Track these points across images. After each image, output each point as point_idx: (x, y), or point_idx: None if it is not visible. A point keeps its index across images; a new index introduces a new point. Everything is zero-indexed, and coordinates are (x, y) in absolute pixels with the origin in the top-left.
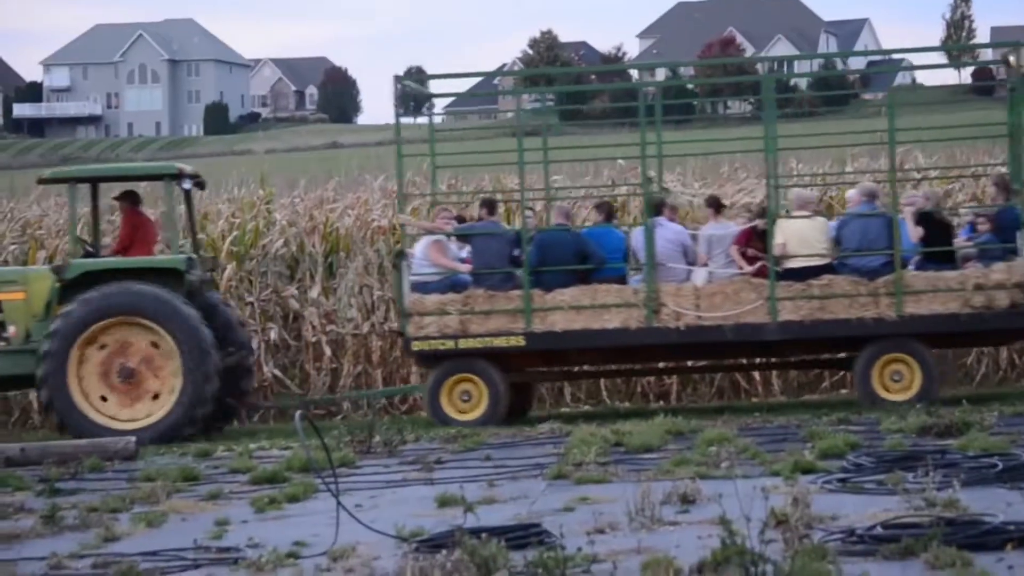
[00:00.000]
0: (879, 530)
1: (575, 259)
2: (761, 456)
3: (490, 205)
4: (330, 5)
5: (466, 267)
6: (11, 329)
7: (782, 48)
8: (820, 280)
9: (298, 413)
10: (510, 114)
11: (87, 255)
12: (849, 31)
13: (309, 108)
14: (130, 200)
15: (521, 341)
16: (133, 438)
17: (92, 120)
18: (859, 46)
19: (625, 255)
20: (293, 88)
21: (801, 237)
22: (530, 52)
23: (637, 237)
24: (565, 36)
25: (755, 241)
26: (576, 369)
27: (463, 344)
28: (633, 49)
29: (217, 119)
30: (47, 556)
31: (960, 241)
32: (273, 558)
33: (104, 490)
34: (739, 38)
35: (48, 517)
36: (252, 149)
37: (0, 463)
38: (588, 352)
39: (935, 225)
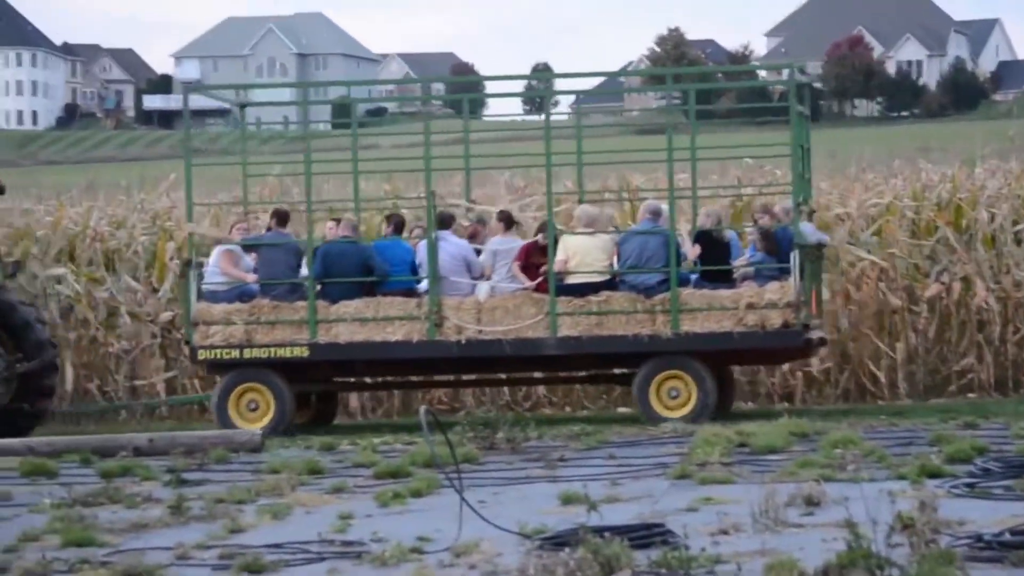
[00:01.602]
0: (1007, 536)
1: (360, 271)
2: (887, 459)
3: (280, 216)
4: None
5: (253, 277)
6: None
7: (911, 48)
8: (599, 296)
9: (422, 408)
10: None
11: None
12: (979, 31)
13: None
14: None
15: (305, 352)
16: (259, 431)
17: (221, 113)
18: (990, 47)
19: (413, 268)
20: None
21: (583, 253)
22: (657, 50)
23: (421, 251)
24: (692, 34)
25: (537, 256)
26: (365, 381)
27: (248, 354)
28: (760, 48)
29: (344, 113)
30: (174, 546)
31: (745, 260)
32: (396, 553)
33: (230, 481)
34: (867, 37)
35: (175, 507)
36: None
37: (129, 453)
38: (372, 364)
39: (713, 243)
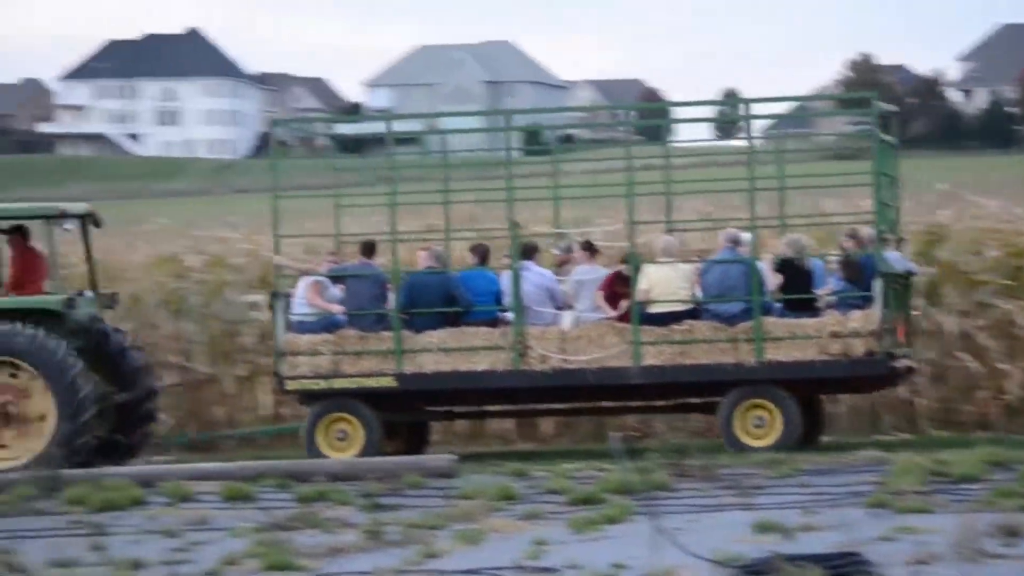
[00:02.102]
0: None
1: (444, 302)
2: None
3: (367, 247)
4: (646, 27)
5: (340, 308)
6: None
7: None
8: (682, 325)
9: (614, 435)
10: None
11: None
12: None
13: (622, 129)
14: (21, 236)
15: (392, 382)
16: (454, 456)
17: (409, 140)
18: None
19: (498, 297)
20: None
21: (665, 283)
22: (849, 74)
23: (505, 281)
24: (883, 58)
25: (620, 286)
26: (453, 410)
27: (336, 384)
28: (953, 72)
29: (532, 140)
30: (370, 570)
31: (829, 289)
32: None
33: (424, 507)
34: None
35: (371, 532)
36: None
37: (324, 477)
38: (458, 393)
39: (795, 272)
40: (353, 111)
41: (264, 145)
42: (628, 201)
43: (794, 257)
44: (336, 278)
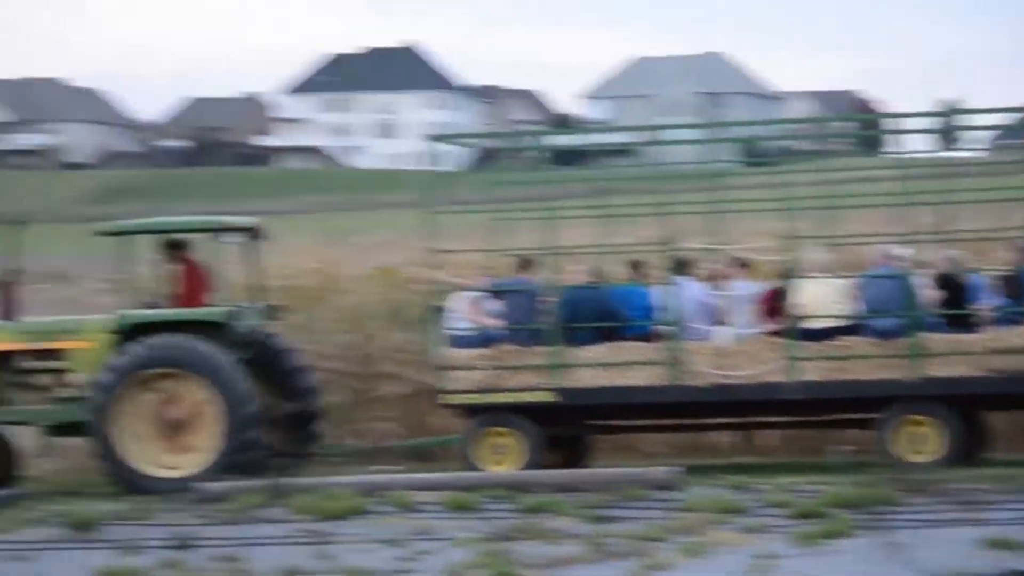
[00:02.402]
0: None
1: (601, 316)
2: None
3: (524, 262)
4: (867, 36)
5: (498, 322)
6: (77, 376)
7: None
8: (839, 341)
9: (835, 449)
10: None
11: (150, 306)
12: None
13: (834, 140)
14: (182, 250)
15: (550, 396)
16: (677, 468)
17: (622, 152)
18: None
19: (649, 312)
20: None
21: (820, 298)
22: None
23: (661, 296)
24: None
25: (778, 301)
26: (610, 424)
27: (493, 398)
28: None
29: (749, 153)
30: None
31: (989, 304)
32: None
33: (646, 519)
34: None
35: (594, 543)
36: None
37: (546, 489)
38: (616, 408)
39: (954, 287)
40: (567, 123)
41: (482, 158)
42: (788, 215)
43: (953, 272)
44: (495, 293)
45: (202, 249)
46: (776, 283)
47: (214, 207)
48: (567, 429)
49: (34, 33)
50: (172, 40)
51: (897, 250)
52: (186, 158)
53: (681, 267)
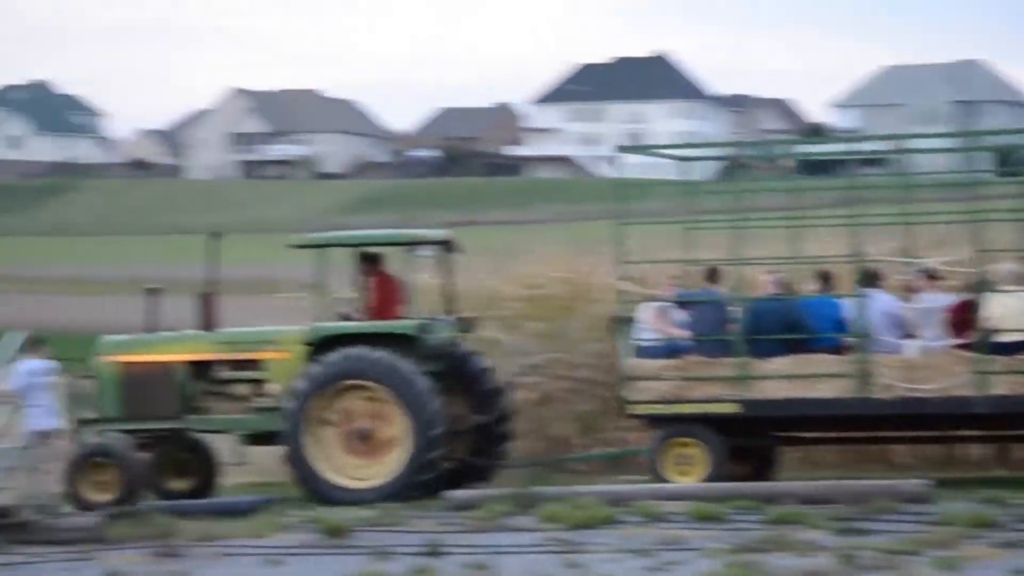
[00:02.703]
0: None
1: (787, 328)
2: None
3: (711, 273)
4: None
5: (685, 333)
6: (273, 386)
7: None
8: None
9: None
10: None
11: (345, 318)
12: None
13: None
14: (375, 263)
15: (735, 407)
16: (929, 481)
17: (875, 161)
18: None
19: (841, 324)
20: None
21: (1014, 311)
22: None
23: (850, 308)
24: None
25: (968, 314)
26: (797, 435)
27: (679, 409)
28: None
29: (1006, 162)
30: None
31: None
32: None
33: (898, 532)
34: None
35: (844, 556)
36: None
37: (794, 500)
38: (801, 419)
39: None
40: (818, 132)
41: (729, 168)
42: (974, 227)
43: None
44: (681, 303)
45: (398, 262)
46: (967, 295)
47: (462, 217)
48: (752, 440)
49: (291, 46)
50: (424, 51)
51: None
52: (436, 168)
53: (870, 279)
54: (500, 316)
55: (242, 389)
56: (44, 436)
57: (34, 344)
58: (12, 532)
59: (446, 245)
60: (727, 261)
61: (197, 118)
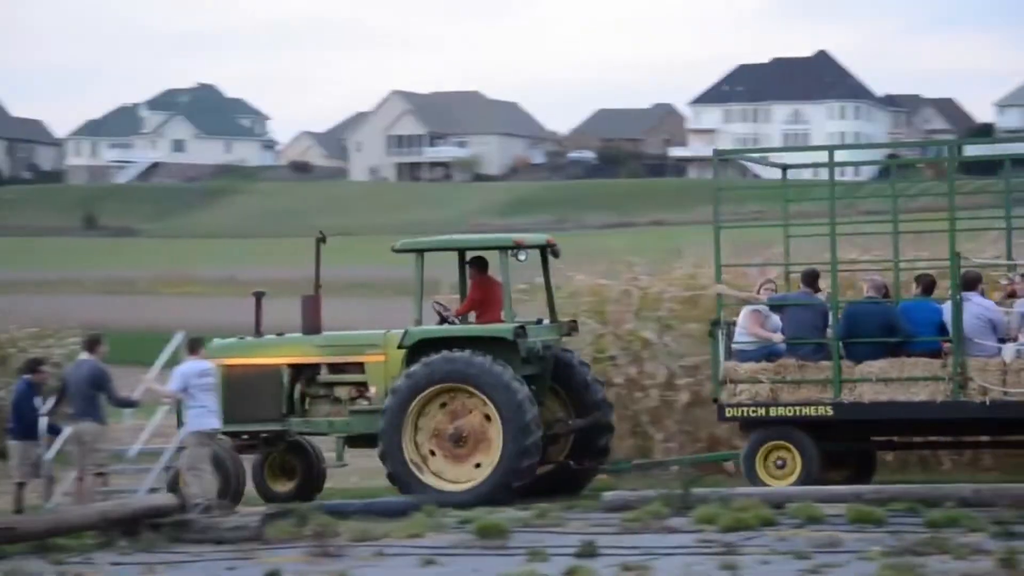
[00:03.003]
0: None
1: (883, 332)
2: None
3: (809, 277)
4: None
5: (779, 337)
6: (373, 389)
7: None
8: None
9: None
10: None
11: (442, 321)
12: None
13: None
14: (477, 266)
15: (829, 411)
16: None
17: None
18: None
19: (942, 328)
20: None
21: None
22: None
23: (948, 312)
24: None
25: None
26: (893, 440)
27: (773, 412)
28: None
29: None
30: None
31: None
32: None
33: None
34: None
35: (1005, 559)
36: None
37: (954, 503)
38: (897, 423)
39: None
40: (984, 132)
41: (888, 169)
42: None
43: None
44: (776, 307)
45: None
46: None
47: (620, 218)
48: (846, 444)
49: (452, 49)
50: (582, 53)
51: None
52: (594, 169)
53: (970, 283)
54: (656, 317)
55: (342, 392)
56: (204, 436)
57: (193, 345)
58: (174, 531)
59: (546, 249)
60: (821, 264)
61: (357, 120)
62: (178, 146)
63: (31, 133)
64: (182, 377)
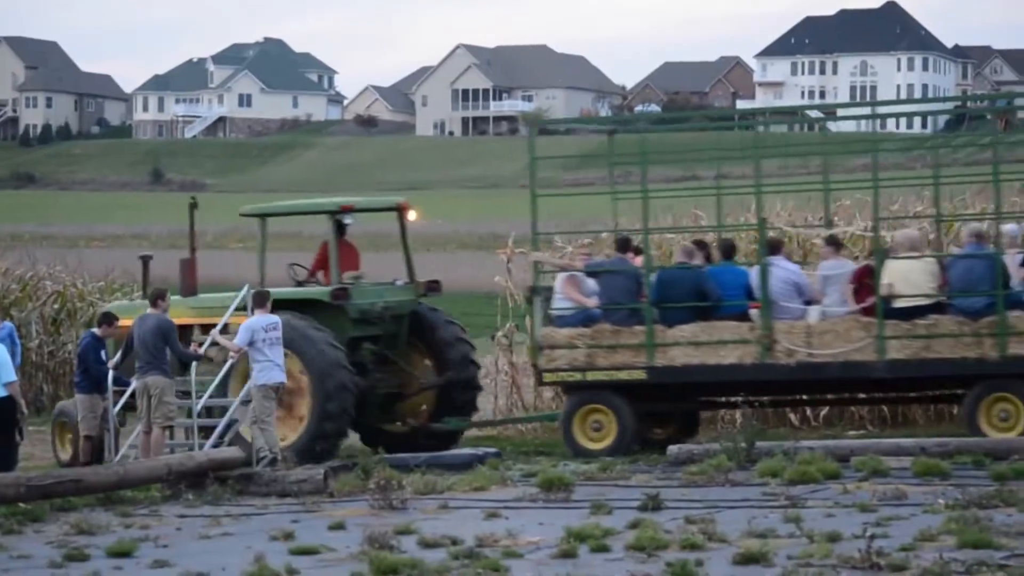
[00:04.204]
0: None
1: (694, 296)
2: None
3: (622, 243)
4: None
5: (594, 302)
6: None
7: None
8: (926, 320)
9: None
10: None
11: (298, 284)
12: None
13: None
14: (337, 230)
15: (642, 374)
16: None
17: None
18: None
19: (748, 291)
20: None
21: (907, 277)
22: None
23: (754, 276)
24: None
25: (868, 280)
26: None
27: (590, 376)
28: None
29: None
30: None
31: None
32: None
33: None
34: None
35: None
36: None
37: (1020, 456)
38: (707, 386)
39: None
40: None
41: (959, 120)
42: (873, 193)
43: None
44: (592, 273)
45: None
46: (868, 262)
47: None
48: (660, 406)
49: (519, 2)
50: (649, 5)
51: (1008, 227)
52: (659, 122)
53: (773, 247)
54: None
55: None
56: (270, 390)
57: (259, 298)
58: (240, 484)
59: (401, 211)
60: (636, 231)
61: (423, 74)
62: (244, 101)
63: (101, 88)
64: (249, 331)
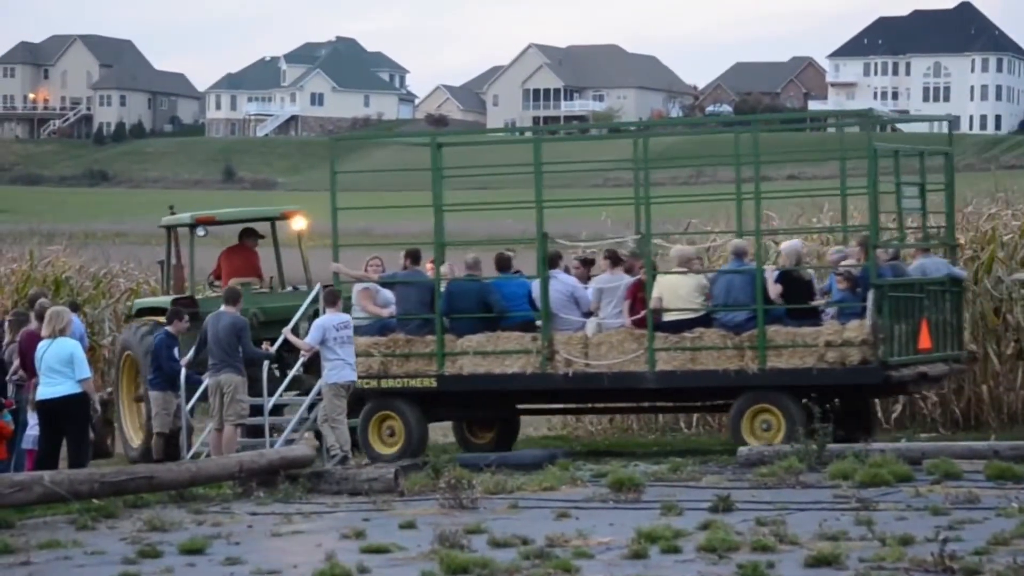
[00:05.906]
0: None
1: (480, 307)
2: None
3: (413, 255)
4: None
5: (389, 312)
6: None
7: None
8: (692, 332)
9: None
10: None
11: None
12: None
13: None
14: (242, 237)
15: (432, 383)
16: None
17: None
18: None
19: (532, 301)
20: None
21: (676, 292)
22: None
23: (535, 288)
24: None
25: (642, 293)
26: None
27: (384, 384)
28: None
29: None
30: None
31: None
32: None
33: None
34: None
35: None
36: None
37: None
38: (491, 394)
39: (794, 282)
40: None
41: None
42: (642, 210)
43: (791, 268)
44: (386, 284)
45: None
46: (641, 276)
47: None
48: (449, 414)
49: (591, 2)
50: (720, 5)
51: (747, 246)
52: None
53: (552, 261)
54: None
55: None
56: (341, 389)
57: (331, 297)
58: (310, 482)
59: (280, 220)
60: (424, 244)
61: (494, 74)
62: (316, 100)
63: (174, 86)
64: (320, 329)
